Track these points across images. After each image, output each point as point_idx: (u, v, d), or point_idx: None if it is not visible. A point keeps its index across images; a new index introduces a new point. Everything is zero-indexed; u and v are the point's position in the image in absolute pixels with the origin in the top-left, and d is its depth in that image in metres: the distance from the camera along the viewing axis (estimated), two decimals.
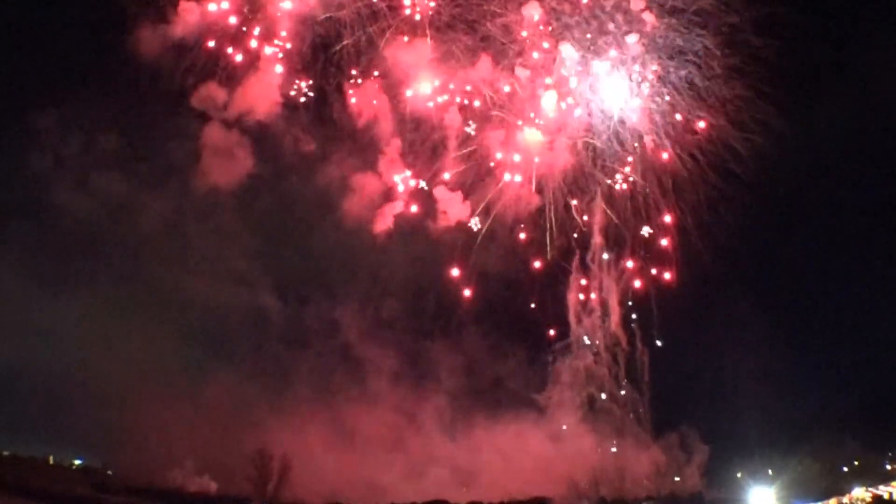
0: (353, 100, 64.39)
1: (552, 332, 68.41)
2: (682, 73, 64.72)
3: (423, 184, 66.47)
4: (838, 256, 69.78)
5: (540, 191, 67.01)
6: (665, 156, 66.22)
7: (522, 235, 67.60)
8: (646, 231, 67.21)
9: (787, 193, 67.41)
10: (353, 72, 63.88)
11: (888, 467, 68.57)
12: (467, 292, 66.90)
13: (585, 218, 67.92)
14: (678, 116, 65.65)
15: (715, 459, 68.88)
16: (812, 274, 70.74)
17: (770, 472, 68.17)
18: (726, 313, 66.67)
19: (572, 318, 68.74)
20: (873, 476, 67.67)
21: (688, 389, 68.04)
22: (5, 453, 59.18)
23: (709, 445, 68.38)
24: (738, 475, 69.15)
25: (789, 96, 63.62)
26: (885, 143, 67.95)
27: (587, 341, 68.87)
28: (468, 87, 64.86)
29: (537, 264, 67.72)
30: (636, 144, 66.72)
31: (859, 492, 67.05)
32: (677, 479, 69.70)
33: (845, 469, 69.41)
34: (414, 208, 66.60)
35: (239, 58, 61.65)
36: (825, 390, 67.72)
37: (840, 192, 69.61)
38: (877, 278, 69.27)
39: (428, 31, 62.81)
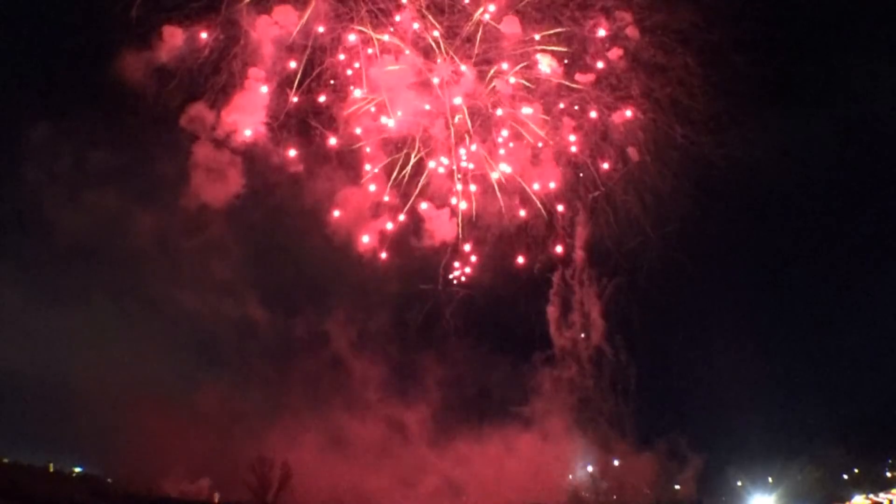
0: (337, 118, 65.98)
1: (537, 344, 69.39)
2: (667, 89, 65.48)
3: (408, 199, 67.84)
4: (834, 262, 70.12)
5: (525, 204, 68.14)
6: (647, 170, 67.07)
7: (507, 249, 68.61)
8: (629, 243, 67.67)
9: (778, 205, 68.99)
10: (336, 92, 65.60)
11: (888, 475, 68.40)
12: (452, 303, 68.18)
13: (568, 231, 69.09)
14: (660, 131, 66.49)
15: (714, 468, 69.09)
16: (809, 280, 70.96)
17: (770, 479, 68.45)
18: (725, 324, 67.15)
19: (555, 330, 69.67)
20: (873, 483, 67.80)
21: (685, 399, 68.62)
22: (5, 460, 60.39)
23: (708, 454, 68.43)
24: (739, 483, 69.30)
25: (770, 112, 64.55)
26: (868, 155, 68.63)
27: (571, 352, 69.72)
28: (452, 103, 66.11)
29: (522, 277, 68.88)
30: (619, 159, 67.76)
31: (859, 499, 67.48)
32: (677, 487, 70.00)
33: (845, 476, 69.44)
34: (400, 223, 68.05)
35: (224, 79, 63.70)
36: (825, 398, 67.65)
37: (831, 203, 70.32)
38: (876, 281, 69.40)
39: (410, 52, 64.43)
